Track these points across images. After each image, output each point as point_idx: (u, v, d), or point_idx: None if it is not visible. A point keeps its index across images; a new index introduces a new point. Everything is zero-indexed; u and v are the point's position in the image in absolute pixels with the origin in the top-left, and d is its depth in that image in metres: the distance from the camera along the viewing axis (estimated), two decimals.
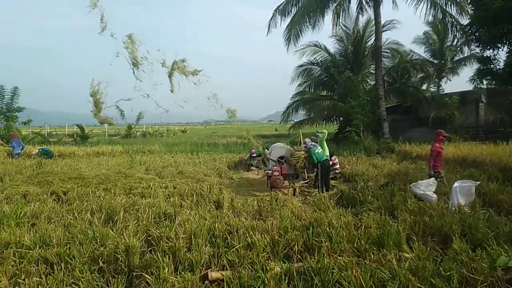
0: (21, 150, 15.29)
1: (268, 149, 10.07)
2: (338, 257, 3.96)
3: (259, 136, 25.72)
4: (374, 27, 20.41)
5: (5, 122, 22.42)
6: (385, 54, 23.10)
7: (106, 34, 8.28)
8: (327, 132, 8.93)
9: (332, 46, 25.96)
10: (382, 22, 20.19)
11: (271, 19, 21.04)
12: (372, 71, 23.58)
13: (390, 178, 8.91)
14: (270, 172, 8.72)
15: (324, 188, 8.26)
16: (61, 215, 5.75)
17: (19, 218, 5.61)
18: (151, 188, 7.81)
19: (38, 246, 4.26)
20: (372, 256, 4.01)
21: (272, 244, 4.33)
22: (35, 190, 7.47)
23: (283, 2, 20.61)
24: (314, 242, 4.34)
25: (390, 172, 9.86)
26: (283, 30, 20.89)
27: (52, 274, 3.53)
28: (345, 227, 4.80)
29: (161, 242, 4.26)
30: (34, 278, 3.35)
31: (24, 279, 3.36)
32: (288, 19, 20.65)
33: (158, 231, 4.57)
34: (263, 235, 4.49)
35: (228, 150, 18.65)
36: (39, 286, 3.20)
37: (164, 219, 5.47)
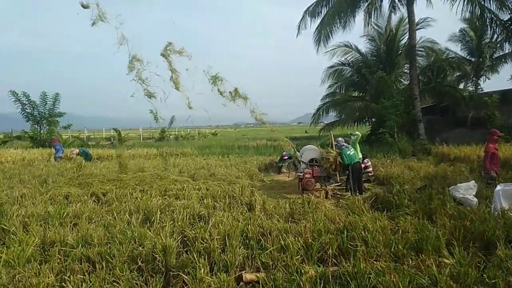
0: (62, 153, 16.21)
1: (299, 151, 10.02)
2: (375, 262, 3.88)
3: (289, 138, 25.70)
4: (407, 26, 19.80)
5: (47, 127, 23.73)
6: (419, 52, 22.31)
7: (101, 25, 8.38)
8: (360, 134, 8.77)
9: (363, 46, 25.49)
10: (416, 20, 19.56)
11: (300, 20, 20.96)
12: (406, 70, 22.87)
13: (427, 181, 8.59)
14: (301, 174, 8.67)
15: (357, 191, 8.10)
16: (101, 215, 5.99)
17: (62, 218, 5.90)
18: (185, 190, 7.98)
19: (80, 245, 4.47)
20: (410, 262, 3.89)
21: (305, 247, 4.31)
22: (76, 192, 7.84)
23: (313, 4, 20.47)
24: (349, 246, 4.27)
25: (427, 175, 9.52)
26: (313, 32, 20.75)
27: (94, 272, 3.69)
28: (381, 231, 4.68)
29: (196, 243, 4.34)
30: (78, 276, 3.53)
31: (69, 276, 3.53)
32: (318, 20, 20.49)
33: (193, 232, 4.66)
34: (296, 238, 4.47)
35: (259, 152, 18.72)
36: (83, 284, 3.35)
37: (198, 221, 5.57)
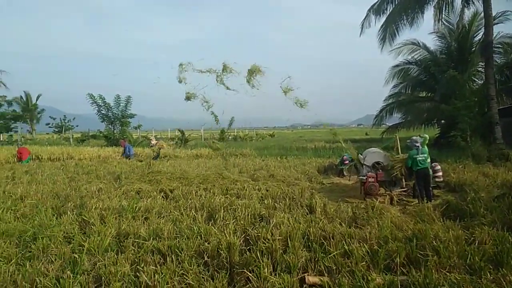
0: (132, 152, 17.57)
1: (361, 154, 9.69)
2: (448, 273, 3.62)
3: (349, 141, 24.94)
4: (482, 21, 18.15)
5: (120, 127, 25.76)
6: (496, 49, 20.30)
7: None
8: (428, 137, 8.22)
9: (432, 43, 23.81)
10: (493, 14, 17.84)
11: (364, 19, 20.31)
12: (480, 69, 20.97)
13: (506, 189, 7.79)
14: (364, 178, 8.37)
15: (425, 198, 7.60)
16: (169, 211, 6.34)
17: (135, 212, 6.35)
18: (246, 190, 8.14)
19: (152, 238, 4.77)
20: (489, 276, 3.57)
21: (371, 254, 4.15)
22: (147, 188, 8.39)
23: (378, 1, 19.70)
24: (418, 255, 4.04)
25: (505, 182, 8.63)
26: (377, 30, 19.98)
27: (165, 264, 3.92)
28: (454, 241, 4.35)
29: (259, 242, 4.41)
30: (150, 267, 3.77)
31: (142, 267, 3.79)
32: (383, 18, 19.67)
33: (255, 231, 4.74)
34: (361, 244, 4.33)
35: (317, 154, 18.45)
36: (155, 274, 3.57)
37: (259, 220, 5.65)
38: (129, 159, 16.41)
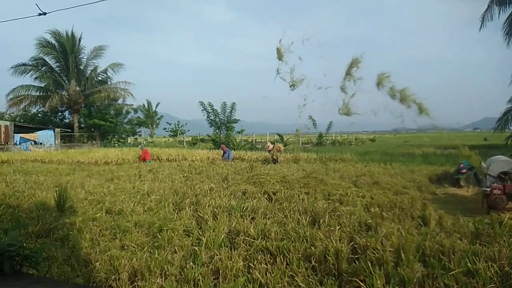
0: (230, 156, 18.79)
1: (483, 162, 8.57)
2: None
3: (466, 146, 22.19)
4: None
5: (225, 131, 27.71)
6: None
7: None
8: None
9: None
10: None
11: (485, 11, 17.94)
12: None
13: None
14: (488, 190, 7.39)
15: None
16: (273, 212, 6.57)
17: (242, 211, 6.75)
18: (349, 196, 7.94)
19: (260, 237, 5.02)
20: None
21: (501, 276, 3.66)
22: (252, 189, 8.82)
23: None
24: None
25: None
26: (502, 23, 17.45)
27: (275, 264, 4.09)
28: None
29: (367, 252, 4.27)
30: (262, 265, 3.97)
31: (255, 264, 4.02)
32: (510, 9, 17.11)
33: (363, 240, 4.60)
34: (488, 263, 3.85)
35: (427, 161, 16.91)
36: (267, 273, 3.75)
37: (366, 230, 5.46)
38: (229, 160, 17.61)
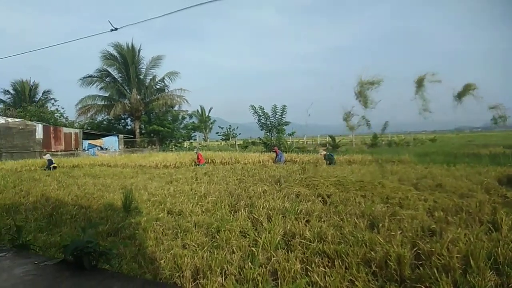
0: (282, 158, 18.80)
1: None
2: None
3: None
4: None
5: (276, 134, 27.87)
6: None
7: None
8: None
9: None
10: None
11: None
12: None
13: None
14: None
15: None
16: (329, 215, 6.47)
17: (297, 214, 6.74)
18: (409, 199, 7.58)
19: (316, 240, 4.98)
20: None
21: None
22: (305, 192, 8.77)
23: None
24: None
25: None
26: None
27: (334, 268, 4.04)
28: None
29: (432, 258, 4.06)
30: (320, 268, 3.95)
31: (312, 267, 4.00)
32: None
33: (427, 245, 4.38)
34: None
35: (495, 162, 15.55)
36: (325, 276, 3.73)
37: (429, 235, 5.18)
38: (282, 163, 17.75)
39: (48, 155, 20.57)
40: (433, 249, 4.21)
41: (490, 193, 9.17)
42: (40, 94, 45.28)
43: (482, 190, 9.29)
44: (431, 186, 9.45)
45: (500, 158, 16.71)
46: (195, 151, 22.14)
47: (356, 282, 3.65)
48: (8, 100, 43.18)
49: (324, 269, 3.92)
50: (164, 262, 4.43)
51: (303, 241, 5.00)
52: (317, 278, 3.66)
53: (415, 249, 4.42)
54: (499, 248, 4.21)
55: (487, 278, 3.51)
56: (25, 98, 42.55)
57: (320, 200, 8.04)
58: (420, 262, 4.11)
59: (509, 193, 9.42)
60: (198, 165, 18.57)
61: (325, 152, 17.69)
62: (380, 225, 5.49)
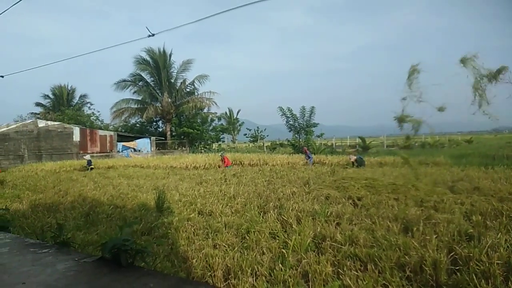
0: (311, 159, 18.72)
1: None
2: None
3: None
4: None
5: (304, 136, 27.70)
6: None
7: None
8: None
9: None
10: None
11: None
12: None
13: None
14: None
15: None
16: (360, 218, 6.36)
17: (327, 216, 6.66)
18: (445, 203, 7.31)
19: (347, 243, 4.91)
20: None
21: None
22: (335, 194, 8.66)
23: None
24: None
25: None
26: None
27: (366, 271, 3.97)
28: None
29: (470, 264, 3.91)
30: (352, 271, 3.89)
31: (344, 270, 3.96)
32: None
33: (465, 250, 4.21)
34: None
35: None
36: (358, 280, 3.67)
37: (467, 239, 4.98)
38: (311, 164, 17.70)
39: (88, 155, 21.57)
40: (471, 255, 4.06)
41: None
42: (77, 98, 47.53)
43: None
44: (468, 189, 9.06)
45: None
46: (220, 154, 21.88)
47: (390, 287, 3.57)
48: (48, 104, 45.68)
49: (356, 273, 3.86)
50: (196, 261, 4.53)
51: (334, 244, 4.95)
52: (349, 281, 3.62)
53: (451, 254, 4.27)
54: None
55: None
56: (63, 102, 44.80)
57: (350, 203, 7.92)
58: (457, 268, 3.96)
59: None
60: (225, 167, 18.69)
61: (355, 157, 17.33)
62: (415, 229, 5.34)
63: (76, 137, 29.17)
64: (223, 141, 46.60)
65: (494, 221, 5.84)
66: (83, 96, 47.82)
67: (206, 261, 4.48)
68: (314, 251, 4.80)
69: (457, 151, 25.59)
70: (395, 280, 3.66)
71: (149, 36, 5.54)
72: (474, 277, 3.55)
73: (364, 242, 4.88)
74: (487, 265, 3.78)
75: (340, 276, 3.84)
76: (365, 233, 5.26)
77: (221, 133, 42.85)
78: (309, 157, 18.90)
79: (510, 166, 14.32)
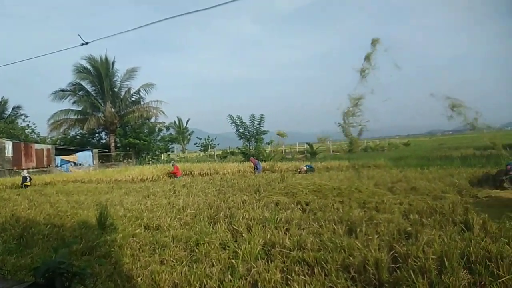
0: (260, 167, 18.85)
1: None
2: None
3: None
4: None
5: (254, 143, 27.96)
6: None
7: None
8: None
9: None
10: None
11: None
12: None
13: None
14: None
15: None
16: (308, 223, 6.50)
17: (276, 222, 6.73)
18: (385, 203, 7.73)
19: (296, 248, 4.98)
20: None
21: None
22: (284, 200, 8.79)
23: None
24: None
25: None
26: None
27: (313, 275, 4.04)
28: None
29: (409, 260, 4.15)
30: (300, 277, 3.94)
31: (293, 276, 4.00)
32: None
33: (403, 248, 4.47)
34: None
35: (466, 163, 16.17)
36: (305, 285, 3.73)
37: (405, 237, 5.29)
38: (258, 173, 17.74)
39: (25, 171, 19.86)
40: (409, 252, 4.31)
41: (462, 194, 9.53)
42: (10, 110, 43.60)
43: (455, 192, 9.64)
44: (406, 189, 9.71)
45: (471, 159, 17.37)
46: (171, 164, 21.59)
47: None
48: None
49: (304, 278, 3.92)
50: (141, 279, 4.32)
51: (283, 250, 4.99)
52: (297, 287, 3.65)
53: (392, 252, 4.50)
54: (471, 248, 4.34)
55: (460, 278, 3.61)
56: None
57: (299, 208, 8.08)
58: (397, 265, 4.18)
59: (480, 193, 9.82)
60: (175, 177, 18.28)
61: (305, 167, 17.79)
62: (358, 230, 5.57)
63: (9, 152, 26.77)
64: (172, 151, 45.43)
65: (429, 219, 6.28)
66: (16, 108, 43.97)
67: (152, 278, 4.29)
68: (264, 259, 4.80)
69: (396, 154, 27.37)
70: (341, 282, 3.77)
71: (82, 44, 5.25)
72: (412, 273, 3.76)
73: (312, 246, 4.98)
74: (423, 260, 4.03)
75: (289, 282, 3.87)
76: (312, 237, 5.38)
77: (170, 143, 41.76)
78: (257, 168, 18.67)
79: (443, 167, 15.60)
